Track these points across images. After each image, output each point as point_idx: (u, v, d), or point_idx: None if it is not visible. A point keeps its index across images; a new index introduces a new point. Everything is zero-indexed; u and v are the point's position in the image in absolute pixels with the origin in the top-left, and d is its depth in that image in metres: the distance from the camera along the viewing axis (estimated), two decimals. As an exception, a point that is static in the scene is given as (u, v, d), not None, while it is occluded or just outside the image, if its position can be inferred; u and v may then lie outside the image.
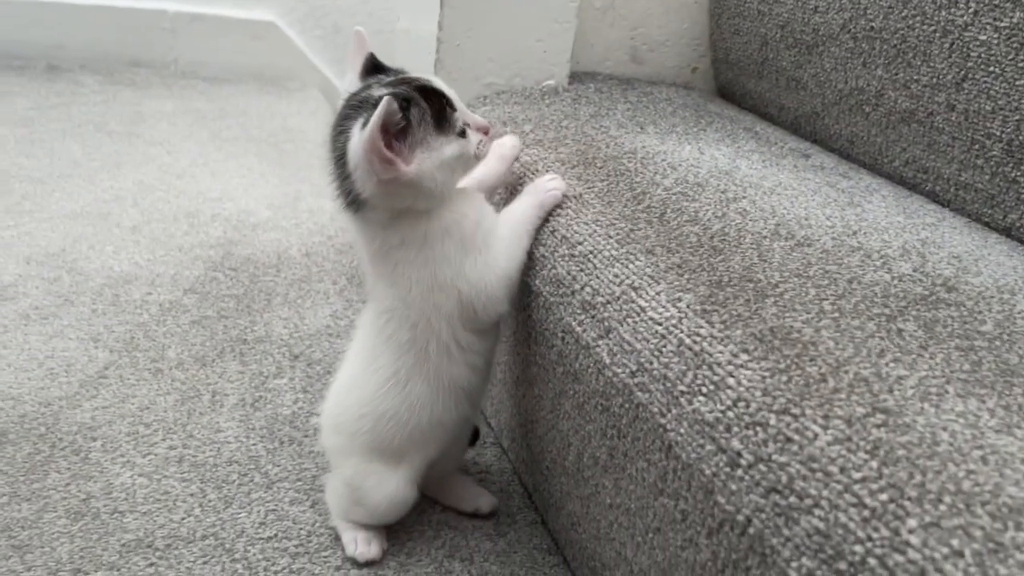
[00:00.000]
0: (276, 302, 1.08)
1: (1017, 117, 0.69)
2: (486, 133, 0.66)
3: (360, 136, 0.59)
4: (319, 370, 0.96)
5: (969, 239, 0.69)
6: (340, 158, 0.63)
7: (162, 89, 1.85)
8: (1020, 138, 0.69)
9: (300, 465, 0.82)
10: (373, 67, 0.66)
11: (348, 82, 0.67)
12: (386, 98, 0.57)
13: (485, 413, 0.91)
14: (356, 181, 0.61)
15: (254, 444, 0.84)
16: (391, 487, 0.70)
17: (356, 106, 0.62)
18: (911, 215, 0.72)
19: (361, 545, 0.71)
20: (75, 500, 0.74)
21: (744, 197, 0.71)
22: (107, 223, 1.22)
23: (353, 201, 0.63)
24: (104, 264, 1.11)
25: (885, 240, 0.66)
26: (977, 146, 0.73)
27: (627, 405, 0.56)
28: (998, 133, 0.71)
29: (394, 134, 0.59)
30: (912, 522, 0.38)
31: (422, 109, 0.61)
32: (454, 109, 0.64)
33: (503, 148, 0.74)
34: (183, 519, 0.74)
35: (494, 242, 0.66)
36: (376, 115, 0.56)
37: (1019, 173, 0.70)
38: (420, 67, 0.89)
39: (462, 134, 0.64)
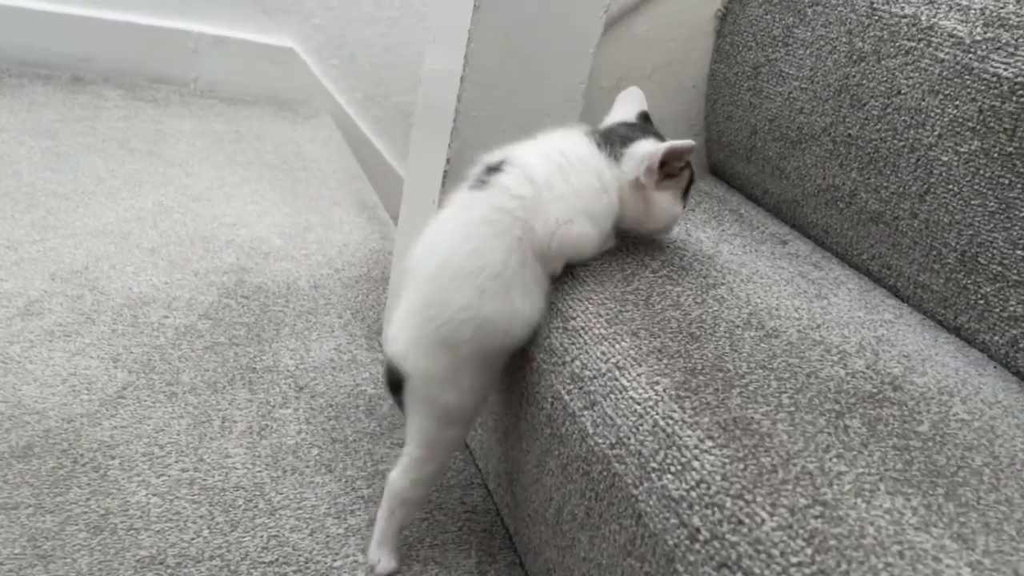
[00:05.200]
0: (284, 332, 1.16)
1: (971, 232, 0.77)
2: None
3: (655, 146, 0.74)
4: (321, 403, 1.03)
5: (921, 338, 0.77)
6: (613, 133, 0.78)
7: (181, 108, 1.93)
8: (972, 250, 0.77)
9: (301, 494, 0.88)
10: (645, 118, 0.83)
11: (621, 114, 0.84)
12: (692, 142, 0.74)
13: (475, 455, 0.98)
14: (627, 164, 0.75)
15: (259, 471, 0.91)
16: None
17: (642, 128, 0.80)
18: (872, 310, 0.80)
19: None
20: (95, 515, 0.81)
21: (723, 284, 0.79)
22: (128, 243, 1.29)
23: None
24: (124, 284, 1.18)
25: (845, 335, 0.74)
26: (935, 252, 0.81)
27: (605, 473, 0.64)
28: (953, 243, 0.79)
29: (667, 169, 0.75)
30: (835, 605, 0.45)
31: (691, 179, 0.79)
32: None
33: None
34: (192, 539, 0.80)
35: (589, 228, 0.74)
36: (679, 144, 0.73)
37: (969, 281, 0.78)
38: (442, 104, 0.97)
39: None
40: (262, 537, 0.82)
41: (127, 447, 0.90)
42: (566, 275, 0.78)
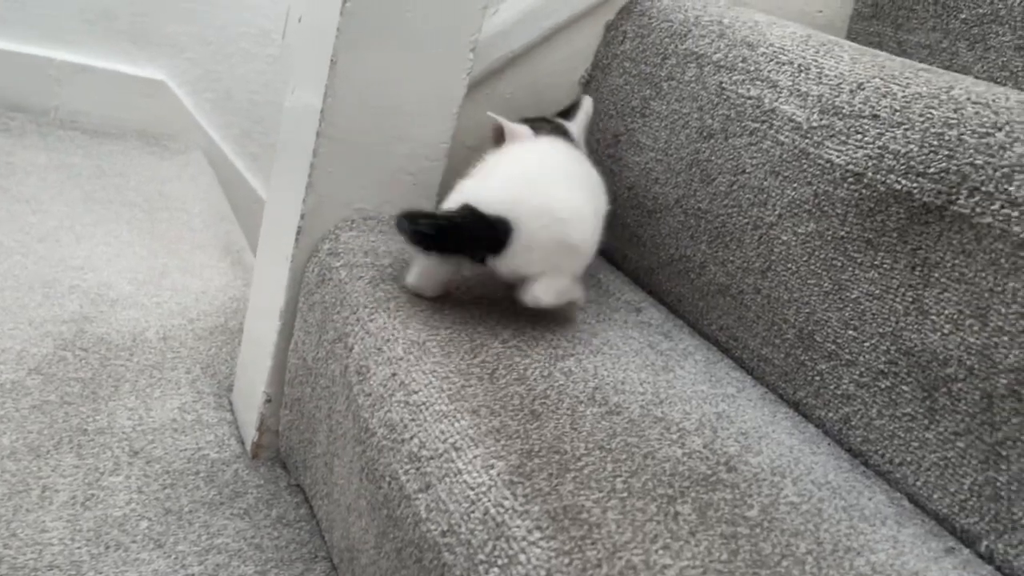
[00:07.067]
0: (124, 389, 1.08)
1: (807, 310, 0.79)
2: None
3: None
4: (157, 469, 0.96)
5: (760, 413, 0.78)
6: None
7: (37, 138, 1.81)
8: (809, 328, 0.79)
9: (123, 573, 0.82)
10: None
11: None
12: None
13: (321, 525, 0.94)
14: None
15: (79, 547, 0.83)
16: None
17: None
18: (716, 383, 0.81)
19: None
20: None
21: (572, 355, 0.78)
22: (-45, 288, 1.19)
23: None
24: (-55, 335, 1.08)
25: (686, 411, 0.74)
26: (776, 327, 0.83)
27: (436, 562, 0.61)
28: (792, 320, 0.81)
29: None
30: None
31: None
32: None
33: None
34: (-8, 629, 0.73)
35: None
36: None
37: (807, 357, 0.80)
38: (298, 155, 0.94)
39: None
40: (74, 624, 0.75)
41: (-74, 522, 0.81)
42: (413, 345, 0.75)
